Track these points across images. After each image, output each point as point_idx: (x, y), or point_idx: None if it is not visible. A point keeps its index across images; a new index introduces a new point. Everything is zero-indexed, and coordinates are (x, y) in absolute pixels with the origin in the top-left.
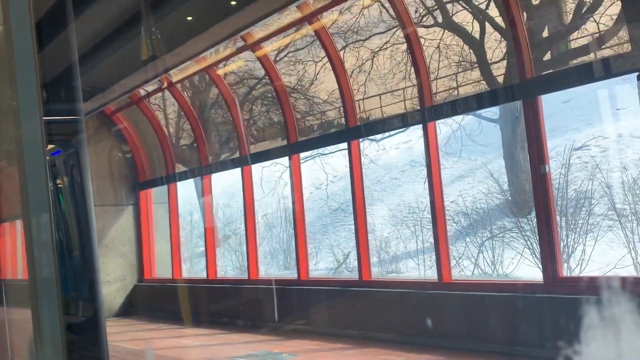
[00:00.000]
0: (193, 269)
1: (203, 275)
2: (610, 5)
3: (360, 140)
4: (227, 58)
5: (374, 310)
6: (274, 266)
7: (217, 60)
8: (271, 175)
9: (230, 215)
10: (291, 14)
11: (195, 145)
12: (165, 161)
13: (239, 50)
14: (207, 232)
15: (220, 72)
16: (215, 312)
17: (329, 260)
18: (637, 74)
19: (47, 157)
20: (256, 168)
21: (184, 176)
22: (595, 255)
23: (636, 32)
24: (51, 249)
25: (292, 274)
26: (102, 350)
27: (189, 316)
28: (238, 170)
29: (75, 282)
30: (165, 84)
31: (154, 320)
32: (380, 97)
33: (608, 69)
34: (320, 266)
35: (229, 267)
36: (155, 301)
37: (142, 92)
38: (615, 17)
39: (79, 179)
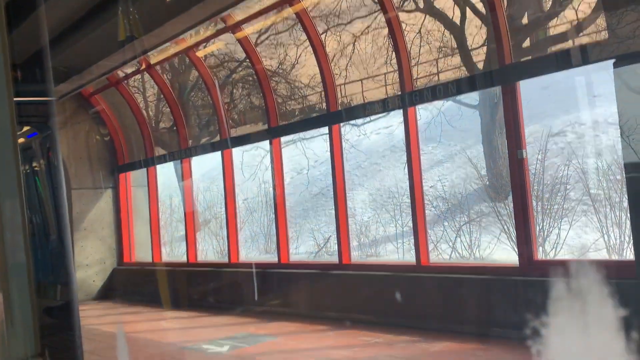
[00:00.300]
0: (173, 252)
1: (183, 259)
2: None
3: (341, 124)
4: (207, 40)
5: (353, 292)
6: (254, 250)
7: (196, 42)
8: (252, 159)
9: (211, 199)
10: None
11: (175, 128)
12: (144, 144)
13: (219, 32)
14: (187, 216)
15: (200, 54)
16: (196, 295)
17: (310, 244)
18: (613, 61)
19: (22, 140)
20: (237, 152)
21: (163, 159)
22: (570, 239)
23: (613, 20)
24: (22, 233)
25: (272, 258)
26: (75, 333)
27: (168, 299)
28: (218, 154)
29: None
30: (144, 66)
31: (134, 303)
32: (362, 82)
33: (585, 56)
34: (301, 250)
35: (209, 250)
36: (134, 284)
37: (121, 73)
38: (593, 4)
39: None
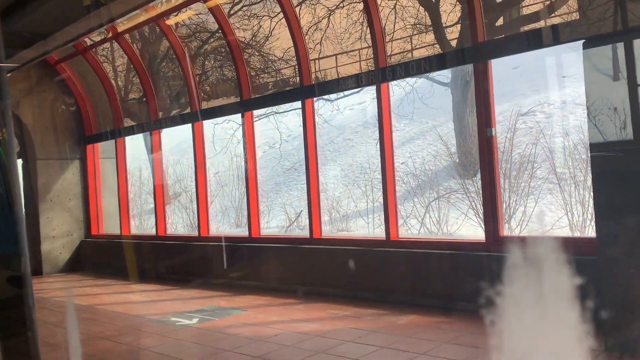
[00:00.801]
0: (142, 225)
1: (153, 232)
2: None
3: (315, 99)
4: (177, 8)
5: (323, 267)
6: (225, 224)
7: (167, 10)
8: (224, 132)
9: (181, 172)
10: None
11: (144, 99)
12: (113, 115)
13: (190, 1)
14: (156, 189)
15: (170, 22)
16: (165, 268)
17: (281, 218)
18: (582, 42)
19: None
20: (208, 125)
21: (132, 131)
22: (535, 217)
23: (584, 2)
24: None
25: (243, 232)
26: (29, 305)
27: (135, 272)
28: (189, 127)
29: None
30: (110, 34)
31: (101, 276)
32: (336, 57)
33: (556, 37)
34: (272, 224)
35: (179, 224)
36: (102, 257)
37: (89, 41)
38: None
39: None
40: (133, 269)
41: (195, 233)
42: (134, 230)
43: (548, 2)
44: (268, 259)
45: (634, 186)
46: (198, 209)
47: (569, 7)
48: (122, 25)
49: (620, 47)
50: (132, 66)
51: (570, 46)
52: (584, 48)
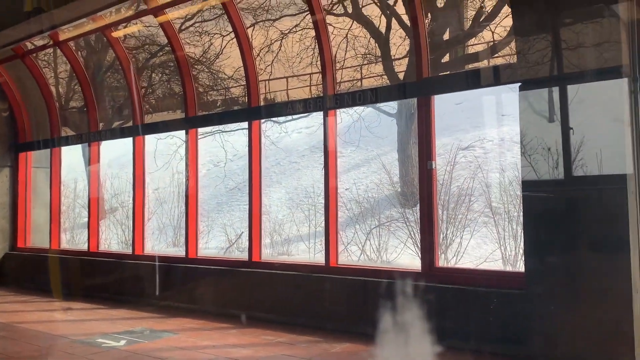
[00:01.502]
0: (74, 240)
1: (84, 247)
2: (505, 17)
3: (263, 121)
4: (127, 20)
5: (261, 291)
6: (162, 243)
7: (115, 21)
8: (167, 148)
9: (119, 187)
10: None
11: (85, 109)
12: (50, 123)
13: (140, 14)
14: (92, 202)
15: (118, 34)
16: (95, 286)
17: (221, 239)
18: (519, 84)
19: None
20: (151, 139)
21: (70, 141)
22: (470, 249)
23: (522, 45)
24: None
25: (180, 252)
26: None
27: (60, 289)
28: (130, 140)
29: None
30: (51, 42)
31: (25, 292)
32: (287, 80)
33: (497, 77)
34: (211, 245)
35: (113, 240)
36: (27, 272)
37: (30, 45)
38: (508, 28)
39: None
40: (58, 286)
41: (129, 251)
42: (64, 245)
43: (491, 44)
44: (204, 281)
45: (560, 227)
46: (134, 226)
47: (510, 50)
48: (67, 32)
49: (556, 90)
50: (74, 74)
51: (510, 87)
52: (520, 90)
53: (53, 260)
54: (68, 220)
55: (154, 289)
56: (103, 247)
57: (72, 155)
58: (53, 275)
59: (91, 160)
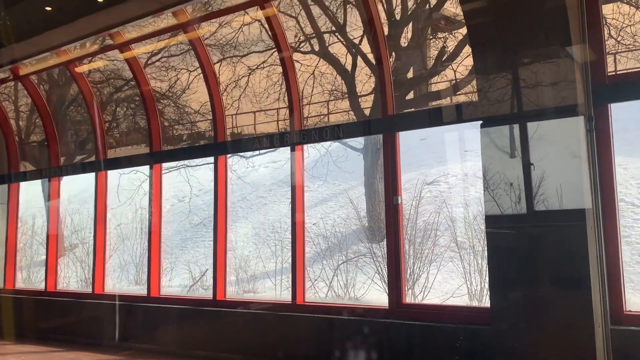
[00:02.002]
0: (30, 278)
1: (41, 286)
2: (466, 57)
3: (229, 155)
4: (91, 55)
5: (225, 330)
6: (123, 280)
7: (79, 56)
8: (130, 183)
9: (80, 223)
10: (167, 19)
11: (46, 143)
12: (8, 157)
13: (106, 49)
14: (50, 239)
15: (82, 69)
16: (51, 327)
17: (185, 277)
18: (481, 122)
19: None
20: (114, 174)
21: (29, 176)
22: (437, 284)
23: (483, 84)
24: None
25: (142, 290)
26: None
27: (12, 330)
28: (92, 175)
29: None
30: (11, 76)
31: None
32: (254, 115)
33: (459, 114)
34: (175, 283)
35: (72, 278)
36: None
37: None
38: (469, 67)
39: None
40: (10, 328)
41: (88, 289)
42: (20, 284)
43: (453, 82)
44: (167, 321)
45: (523, 262)
46: (94, 264)
47: (471, 88)
48: (30, 66)
49: (516, 127)
50: (35, 107)
51: (472, 124)
52: (482, 127)
53: (6, 301)
54: (25, 258)
55: (114, 329)
56: (61, 285)
57: (31, 191)
58: (6, 316)
59: (51, 195)
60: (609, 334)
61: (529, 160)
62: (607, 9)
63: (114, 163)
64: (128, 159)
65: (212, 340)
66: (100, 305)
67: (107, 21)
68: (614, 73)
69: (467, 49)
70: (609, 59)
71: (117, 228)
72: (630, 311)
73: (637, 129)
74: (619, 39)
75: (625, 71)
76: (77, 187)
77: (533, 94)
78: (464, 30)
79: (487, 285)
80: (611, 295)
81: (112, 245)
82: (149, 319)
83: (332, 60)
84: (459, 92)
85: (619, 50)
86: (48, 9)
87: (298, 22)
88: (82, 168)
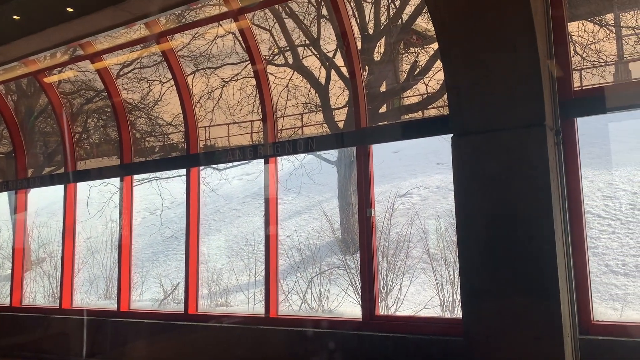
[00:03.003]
0: None
1: (6, 302)
2: (438, 71)
3: (202, 168)
4: (61, 65)
5: (197, 345)
6: (92, 295)
7: (48, 66)
8: (100, 195)
9: (48, 236)
10: (140, 30)
11: (13, 155)
12: None
13: (76, 59)
14: (16, 253)
15: (52, 79)
16: (17, 344)
17: (156, 290)
18: (452, 135)
19: None
20: (84, 186)
21: None
22: (410, 295)
23: (454, 98)
24: None
25: (112, 305)
26: None
27: None
28: (61, 187)
29: None
30: None
31: None
32: (228, 127)
33: (431, 128)
34: (145, 296)
35: (39, 293)
36: None
37: None
38: (441, 81)
39: None
40: None
41: (56, 304)
42: None
43: (425, 95)
44: (137, 336)
45: (493, 273)
46: (62, 278)
47: (443, 101)
48: None
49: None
50: (2, 118)
51: (444, 136)
52: (452, 140)
53: None
54: None
55: (82, 346)
56: (27, 301)
57: None
58: None
59: (17, 208)
60: (578, 344)
61: (499, 172)
62: (572, 27)
63: (84, 175)
64: (98, 171)
65: (183, 355)
66: (67, 320)
67: (78, 31)
68: (579, 88)
69: (439, 64)
70: (575, 75)
71: (86, 241)
72: (597, 321)
73: (603, 142)
74: (584, 56)
75: (591, 86)
76: (45, 199)
77: (503, 107)
78: (435, 45)
79: (459, 297)
80: (579, 305)
81: (81, 259)
82: (118, 334)
83: (306, 73)
84: (430, 106)
85: (584, 67)
86: (16, 17)
87: (272, 35)
88: (51, 180)
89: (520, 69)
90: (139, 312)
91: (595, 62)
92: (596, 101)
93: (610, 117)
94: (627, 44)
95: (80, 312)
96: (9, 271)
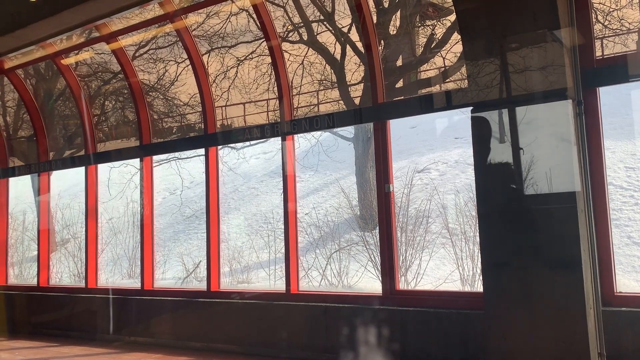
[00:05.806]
0: (22, 274)
1: (34, 282)
2: (456, 44)
3: (220, 147)
4: (77, 47)
5: (220, 321)
6: (117, 275)
7: (65, 48)
8: (121, 176)
9: (71, 218)
10: (154, 10)
11: (35, 138)
12: None
13: (92, 41)
14: (41, 235)
15: (68, 61)
16: (44, 322)
17: (178, 269)
18: (471, 108)
19: None
20: (104, 168)
21: (18, 171)
22: (430, 270)
23: (473, 70)
24: None
25: (136, 283)
26: None
27: (5, 327)
28: (82, 169)
29: None
30: None
31: None
32: (244, 106)
33: (449, 101)
34: (168, 275)
35: (65, 274)
36: None
37: None
38: (458, 54)
39: None
40: (3, 324)
41: (81, 284)
42: (12, 280)
43: (442, 69)
44: (161, 313)
45: (514, 246)
46: (86, 258)
47: (460, 74)
48: (15, 59)
49: (505, 112)
50: (23, 102)
51: (462, 110)
52: (472, 113)
53: (2, 296)
54: (16, 254)
55: (108, 323)
56: (54, 281)
57: (20, 186)
58: (1, 312)
59: (41, 190)
60: (601, 316)
61: (519, 145)
62: None
63: (104, 156)
64: (118, 152)
65: (206, 331)
66: (93, 299)
67: (93, 12)
68: (601, 57)
69: (456, 36)
70: (597, 44)
71: (108, 222)
72: (620, 292)
73: (625, 112)
74: (606, 24)
75: (613, 55)
76: (67, 181)
77: (522, 78)
78: (452, 17)
79: (479, 271)
80: (602, 277)
81: (104, 240)
82: (143, 312)
83: (321, 50)
84: (448, 79)
85: (606, 35)
86: (32, 0)
87: (286, 11)
88: (72, 162)
89: (540, 37)
90: (163, 290)
91: (618, 30)
92: (619, 70)
93: (633, 85)
94: None
95: (106, 291)
96: (36, 252)
